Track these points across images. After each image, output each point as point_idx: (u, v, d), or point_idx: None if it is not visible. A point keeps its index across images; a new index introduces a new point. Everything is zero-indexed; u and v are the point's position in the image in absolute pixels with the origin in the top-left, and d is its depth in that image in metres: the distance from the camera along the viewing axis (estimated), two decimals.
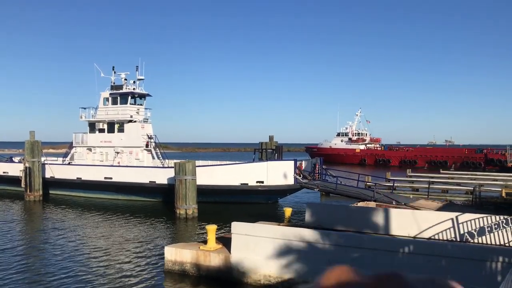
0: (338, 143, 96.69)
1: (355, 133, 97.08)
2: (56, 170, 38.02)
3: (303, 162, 34.16)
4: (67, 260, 17.57)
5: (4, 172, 41.13)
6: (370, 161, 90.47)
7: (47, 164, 38.50)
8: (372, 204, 23.33)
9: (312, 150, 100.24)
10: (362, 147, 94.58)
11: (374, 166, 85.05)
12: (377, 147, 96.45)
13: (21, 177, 36.33)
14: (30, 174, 35.21)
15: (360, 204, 23.05)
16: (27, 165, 35.44)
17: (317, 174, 33.08)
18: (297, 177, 31.19)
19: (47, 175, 37.56)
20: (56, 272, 15.90)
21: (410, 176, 39.39)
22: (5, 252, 18.89)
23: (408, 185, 35.11)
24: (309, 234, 13.47)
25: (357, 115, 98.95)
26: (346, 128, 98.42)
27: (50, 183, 37.77)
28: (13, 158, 46.33)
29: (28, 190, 35.26)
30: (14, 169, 39.54)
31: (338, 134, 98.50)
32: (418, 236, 16.25)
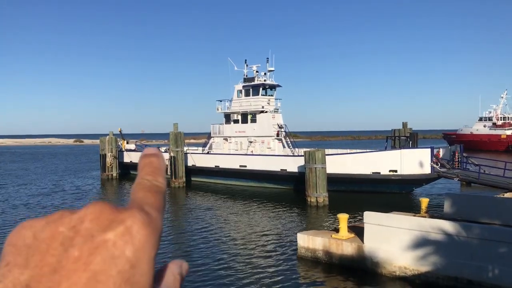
0: (480, 129, 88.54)
1: (500, 117, 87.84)
2: (197, 158, 41.14)
3: (441, 149, 32.07)
4: (208, 243, 19.07)
5: None
6: None
7: (189, 153, 41.86)
8: None
9: (451, 137, 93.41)
10: (509, 132, 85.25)
11: None
12: None
13: (167, 165, 40.14)
14: (175, 163, 38.66)
15: (508, 194, 20.98)
16: (172, 154, 38.96)
17: (457, 163, 30.81)
18: (434, 165, 29.41)
19: (189, 164, 40.84)
20: (198, 254, 17.38)
21: None
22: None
23: None
24: (449, 226, 12.72)
25: (502, 97, 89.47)
26: (490, 112, 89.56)
27: (191, 171, 41.02)
28: (160, 148, 51.23)
29: (173, 177, 38.78)
30: None
31: (480, 119, 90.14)
32: None
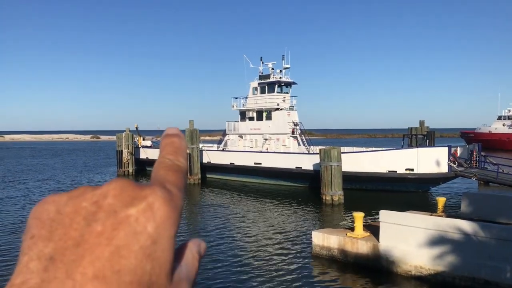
0: (499, 128, 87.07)
1: None
2: (212, 155, 41.29)
3: (458, 148, 31.68)
4: (222, 240, 19.15)
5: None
6: None
7: (204, 150, 42.01)
8: None
9: (468, 136, 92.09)
10: None
11: None
12: None
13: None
14: (190, 160, 38.84)
15: None
16: (187, 151, 39.06)
17: (475, 162, 30.39)
18: (452, 164, 29.05)
19: (204, 160, 40.99)
20: (212, 250, 17.47)
21: None
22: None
23: None
24: (466, 226, 12.56)
25: None
26: (509, 111, 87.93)
27: (207, 168, 41.18)
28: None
29: (188, 174, 38.86)
30: None
31: (499, 118, 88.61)
32: None
